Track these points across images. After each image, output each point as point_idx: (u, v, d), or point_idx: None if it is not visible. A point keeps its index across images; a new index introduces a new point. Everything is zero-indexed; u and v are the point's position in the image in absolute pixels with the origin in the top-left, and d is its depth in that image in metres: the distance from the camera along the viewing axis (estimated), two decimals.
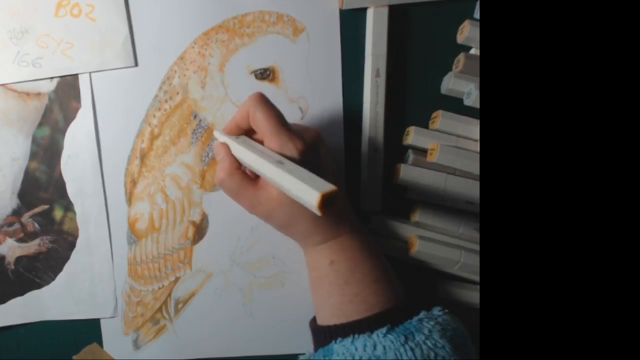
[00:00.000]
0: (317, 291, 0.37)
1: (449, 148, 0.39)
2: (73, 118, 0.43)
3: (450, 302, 0.41)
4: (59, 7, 0.41)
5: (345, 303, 0.35)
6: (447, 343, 0.32)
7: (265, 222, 0.37)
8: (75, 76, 0.42)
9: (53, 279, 0.44)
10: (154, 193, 0.43)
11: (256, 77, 0.42)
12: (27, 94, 0.42)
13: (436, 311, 0.35)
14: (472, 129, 0.40)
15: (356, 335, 0.33)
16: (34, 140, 0.43)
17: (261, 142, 0.35)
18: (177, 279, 0.44)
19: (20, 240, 0.44)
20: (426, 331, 0.33)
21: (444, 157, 0.39)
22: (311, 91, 0.42)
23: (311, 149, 0.34)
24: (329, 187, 0.28)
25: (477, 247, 0.41)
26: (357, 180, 0.43)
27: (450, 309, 0.36)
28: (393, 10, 0.41)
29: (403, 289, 0.37)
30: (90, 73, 0.42)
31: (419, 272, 0.42)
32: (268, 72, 0.42)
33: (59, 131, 0.43)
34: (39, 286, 0.44)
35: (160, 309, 0.44)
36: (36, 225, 0.44)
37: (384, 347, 0.32)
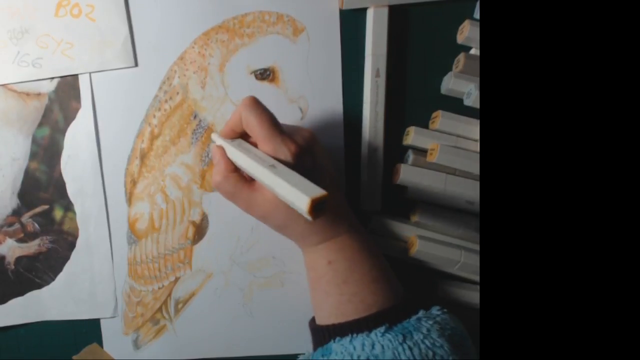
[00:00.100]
0: (316, 291, 0.37)
1: (449, 148, 0.39)
2: (73, 118, 0.43)
3: (450, 301, 0.41)
4: (59, 7, 0.41)
5: (344, 302, 0.35)
6: (446, 342, 0.32)
7: (263, 222, 0.37)
8: (75, 76, 0.42)
9: (53, 279, 0.44)
10: (154, 193, 0.43)
11: (256, 77, 0.42)
12: (27, 94, 0.42)
13: (435, 310, 0.35)
14: (472, 129, 0.40)
15: (354, 335, 0.33)
16: (34, 140, 0.43)
17: (256, 145, 0.35)
18: (177, 279, 0.44)
19: (20, 240, 0.44)
20: (424, 330, 0.33)
21: (444, 157, 0.39)
22: (311, 91, 0.42)
23: (305, 150, 0.35)
24: (319, 192, 0.28)
25: (477, 247, 0.41)
26: (357, 180, 0.43)
27: (449, 309, 0.36)
28: (393, 10, 0.41)
29: (402, 288, 0.37)
30: (90, 73, 0.42)
31: (419, 272, 0.42)
32: (268, 72, 0.42)
33: (59, 131, 0.43)
34: (39, 286, 0.44)
35: (160, 309, 0.44)
36: (36, 225, 0.44)
37: (382, 346, 0.32)
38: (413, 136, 0.41)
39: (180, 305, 0.44)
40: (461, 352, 0.33)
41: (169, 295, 0.44)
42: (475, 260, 0.40)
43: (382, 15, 0.40)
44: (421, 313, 0.34)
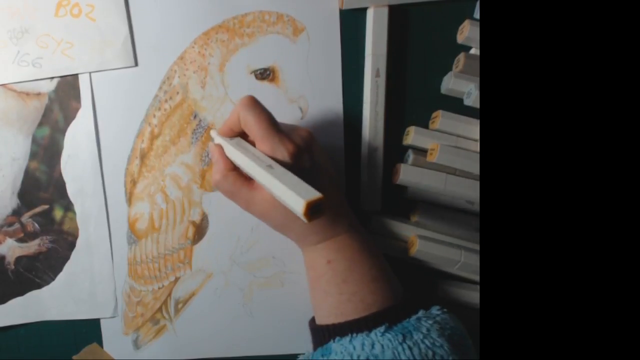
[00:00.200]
0: (315, 290, 0.37)
1: (449, 148, 0.39)
2: (73, 118, 0.43)
3: (450, 301, 0.41)
4: (59, 7, 0.41)
5: (344, 302, 0.35)
6: (446, 342, 0.32)
7: (262, 221, 0.37)
8: (75, 76, 0.42)
9: (53, 279, 0.44)
10: (154, 193, 0.43)
11: (256, 77, 0.42)
12: (27, 94, 0.42)
13: (435, 310, 0.35)
14: (472, 129, 0.40)
15: (354, 334, 0.33)
16: (34, 140, 0.43)
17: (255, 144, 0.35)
18: (177, 279, 0.44)
19: (20, 240, 0.44)
20: (424, 330, 0.33)
21: (444, 157, 0.39)
22: (311, 91, 0.42)
23: (303, 150, 0.34)
24: (315, 194, 0.28)
25: (477, 247, 0.41)
26: (357, 180, 0.43)
27: (449, 309, 0.36)
28: (393, 10, 0.41)
29: (401, 288, 0.37)
30: (90, 73, 0.42)
31: (419, 272, 0.42)
32: (268, 72, 0.42)
33: (59, 131, 0.43)
34: (39, 286, 0.44)
35: (160, 309, 0.44)
36: (36, 225, 0.44)
37: (382, 345, 0.32)
38: (413, 136, 0.41)
39: (180, 305, 0.44)
40: (461, 352, 0.33)
41: (169, 295, 0.44)
42: (475, 260, 0.40)
43: (382, 15, 0.40)
44: (421, 313, 0.34)
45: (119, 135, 0.43)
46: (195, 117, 0.42)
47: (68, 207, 0.43)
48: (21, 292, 0.44)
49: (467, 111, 0.40)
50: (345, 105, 0.42)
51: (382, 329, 0.33)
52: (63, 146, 0.43)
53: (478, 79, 0.40)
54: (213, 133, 0.38)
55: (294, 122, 0.42)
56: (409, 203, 0.43)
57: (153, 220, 0.43)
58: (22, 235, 0.44)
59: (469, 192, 0.40)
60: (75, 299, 0.44)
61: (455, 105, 0.41)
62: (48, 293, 0.44)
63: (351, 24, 0.42)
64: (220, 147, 0.36)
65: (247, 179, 0.35)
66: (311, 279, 0.37)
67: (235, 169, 0.35)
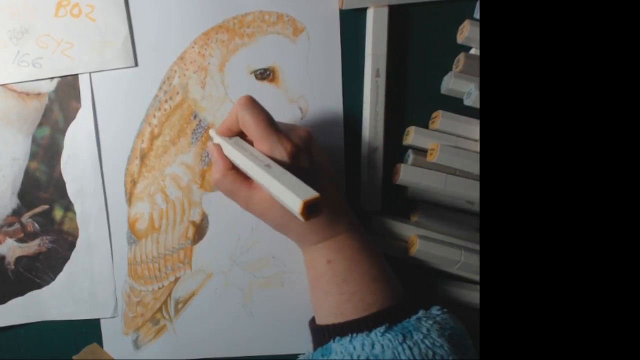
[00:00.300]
0: (315, 290, 0.37)
1: (449, 148, 0.39)
2: (73, 118, 0.43)
3: (450, 301, 0.41)
4: (59, 7, 0.41)
5: (344, 302, 0.35)
6: (446, 342, 0.32)
7: (262, 220, 0.37)
8: (75, 76, 0.42)
9: (53, 279, 0.44)
10: (154, 193, 0.43)
11: (256, 77, 0.42)
12: (27, 94, 0.42)
13: (435, 310, 0.35)
14: (472, 129, 0.40)
15: (354, 334, 0.33)
16: (34, 140, 0.43)
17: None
18: (177, 279, 0.44)
19: (20, 240, 0.44)
20: (424, 330, 0.33)
21: (444, 157, 0.39)
22: (311, 91, 0.42)
23: (302, 150, 0.34)
24: (312, 194, 0.28)
25: (477, 247, 0.41)
26: (357, 180, 0.43)
27: (449, 309, 0.36)
28: (393, 10, 0.41)
29: (401, 288, 0.37)
30: (90, 73, 0.42)
31: (419, 272, 0.42)
32: (268, 72, 0.42)
33: (59, 131, 0.43)
34: (39, 286, 0.44)
35: (160, 309, 0.44)
36: (36, 225, 0.44)
37: (382, 345, 0.32)
38: (413, 136, 0.41)
39: (180, 305, 0.44)
40: (461, 352, 0.33)
41: (169, 295, 0.44)
42: (475, 260, 0.40)
43: (382, 15, 0.40)
44: (421, 313, 0.34)
45: (119, 135, 0.43)
46: (195, 117, 0.42)
47: (68, 207, 0.43)
48: (21, 292, 0.44)
49: (467, 111, 0.40)
50: (345, 105, 0.42)
51: (382, 329, 0.33)
52: (63, 146, 0.43)
53: (478, 79, 0.40)
54: (212, 132, 0.38)
55: (294, 122, 0.42)
56: (409, 203, 0.43)
57: (153, 220, 0.43)
58: (22, 235, 0.44)
59: (469, 192, 0.40)
60: (75, 299, 0.44)
61: (455, 105, 0.41)
62: (48, 293, 0.44)
63: (351, 24, 0.42)
64: (219, 146, 0.36)
65: (246, 179, 0.35)
66: (311, 279, 0.37)
67: (234, 168, 0.35)
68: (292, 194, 0.29)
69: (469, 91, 0.39)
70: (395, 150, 0.42)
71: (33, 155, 0.43)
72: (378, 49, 0.41)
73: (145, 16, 0.42)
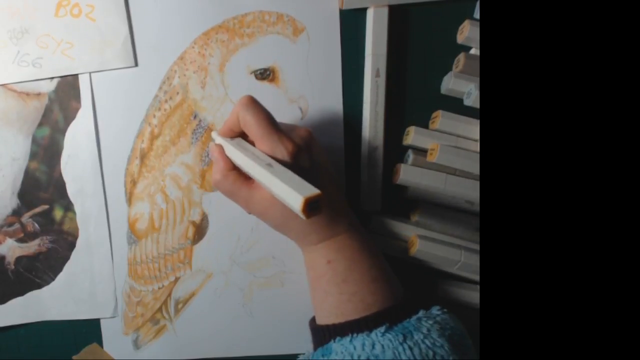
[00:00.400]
0: (315, 290, 0.37)
1: (449, 148, 0.39)
2: (73, 118, 0.43)
3: (450, 301, 0.41)
4: (59, 7, 0.41)
5: (344, 302, 0.35)
6: (446, 342, 0.32)
7: (262, 220, 0.37)
8: (75, 76, 0.42)
9: (53, 279, 0.44)
10: (154, 193, 0.43)
11: (256, 77, 0.42)
12: (27, 94, 0.42)
13: (435, 310, 0.35)
14: (472, 129, 0.40)
15: (355, 334, 0.33)
16: (34, 140, 0.43)
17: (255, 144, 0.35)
18: (177, 279, 0.44)
19: (20, 240, 0.44)
20: (425, 330, 0.33)
21: (444, 157, 0.39)
22: (311, 91, 0.42)
23: (302, 149, 0.35)
24: (313, 191, 0.29)
25: (477, 247, 0.41)
26: (357, 180, 0.43)
27: (449, 309, 0.36)
28: (393, 10, 0.41)
29: (402, 288, 0.37)
30: (90, 73, 0.42)
31: (419, 272, 0.42)
32: (268, 72, 0.42)
33: (59, 131, 0.43)
34: (39, 286, 0.44)
35: (160, 309, 0.44)
36: (36, 225, 0.44)
37: (383, 346, 0.32)
38: (413, 136, 0.41)
39: (180, 305, 0.44)
40: (461, 352, 0.33)
41: (169, 295, 0.44)
42: (475, 260, 0.40)
43: (382, 15, 0.40)
44: (421, 313, 0.34)
45: (119, 135, 0.43)
46: (195, 117, 0.42)
47: (68, 207, 0.43)
48: (21, 292, 0.44)
49: (467, 111, 0.40)
50: (345, 105, 0.42)
51: (382, 329, 0.33)
52: (63, 146, 0.43)
53: (478, 79, 0.40)
54: (214, 134, 0.38)
55: (294, 122, 0.42)
56: (409, 203, 0.43)
57: (153, 220, 0.43)
58: (22, 235, 0.44)
59: (469, 192, 0.40)
60: (75, 299, 0.44)
61: (455, 105, 0.41)
62: (48, 293, 0.44)
63: (351, 24, 0.42)
64: (220, 146, 0.36)
65: (246, 179, 0.35)
66: (311, 279, 0.37)
67: (235, 168, 0.35)
68: (293, 192, 0.29)
69: (469, 91, 0.39)
70: (395, 150, 0.42)
71: (33, 155, 0.43)
72: (378, 49, 0.41)
73: (145, 16, 0.42)
